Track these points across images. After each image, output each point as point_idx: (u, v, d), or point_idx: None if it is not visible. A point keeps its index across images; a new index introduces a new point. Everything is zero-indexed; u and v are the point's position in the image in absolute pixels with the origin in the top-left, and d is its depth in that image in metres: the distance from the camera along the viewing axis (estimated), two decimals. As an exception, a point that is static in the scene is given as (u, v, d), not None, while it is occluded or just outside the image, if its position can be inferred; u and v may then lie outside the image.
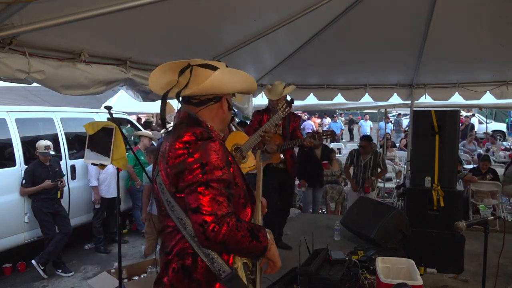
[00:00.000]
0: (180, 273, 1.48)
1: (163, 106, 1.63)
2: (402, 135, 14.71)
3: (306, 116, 20.88)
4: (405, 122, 17.22)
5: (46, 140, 5.03)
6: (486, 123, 16.68)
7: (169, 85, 1.64)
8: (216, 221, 1.34)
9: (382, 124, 14.58)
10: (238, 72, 1.67)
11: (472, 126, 15.75)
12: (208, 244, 1.38)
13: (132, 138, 7.22)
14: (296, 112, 7.61)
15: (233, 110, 1.69)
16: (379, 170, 6.34)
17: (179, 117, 1.64)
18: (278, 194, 4.56)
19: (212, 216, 1.34)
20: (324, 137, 4.41)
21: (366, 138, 6.58)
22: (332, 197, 6.93)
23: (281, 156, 4.46)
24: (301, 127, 17.62)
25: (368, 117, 18.20)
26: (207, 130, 1.51)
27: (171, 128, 1.62)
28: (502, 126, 19.94)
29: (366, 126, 17.28)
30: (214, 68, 1.60)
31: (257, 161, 2.02)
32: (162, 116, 1.63)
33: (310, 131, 16.97)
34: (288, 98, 4.43)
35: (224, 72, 1.60)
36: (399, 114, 17.86)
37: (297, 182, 6.32)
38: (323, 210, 7.26)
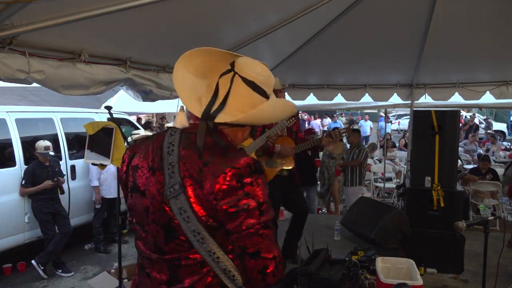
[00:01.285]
0: None
1: (202, 133, 1.26)
2: None
3: (306, 116, 20.89)
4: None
5: (45, 141, 5.03)
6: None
7: (201, 88, 1.36)
8: (276, 265, 1.27)
9: (382, 124, 14.55)
10: (285, 104, 1.47)
11: (477, 126, 15.76)
12: None
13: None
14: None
15: None
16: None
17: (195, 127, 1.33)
18: (285, 204, 4.42)
19: (273, 261, 1.26)
20: (341, 135, 4.12)
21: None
22: (325, 180, 6.93)
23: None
24: (309, 126, 17.61)
25: (368, 117, 18.21)
26: (256, 160, 1.29)
27: (186, 136, 1.32)
28: (502, 126, 19.95)
29: (366, 126, 17.27)
30: (259, 90, 1.34)
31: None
32: (199, 149, 1.25)
33: (318, 130, 16.96)
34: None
35: (274, 106, 1.38)
36: None
37: None
38: (323, 210, 7.26)
